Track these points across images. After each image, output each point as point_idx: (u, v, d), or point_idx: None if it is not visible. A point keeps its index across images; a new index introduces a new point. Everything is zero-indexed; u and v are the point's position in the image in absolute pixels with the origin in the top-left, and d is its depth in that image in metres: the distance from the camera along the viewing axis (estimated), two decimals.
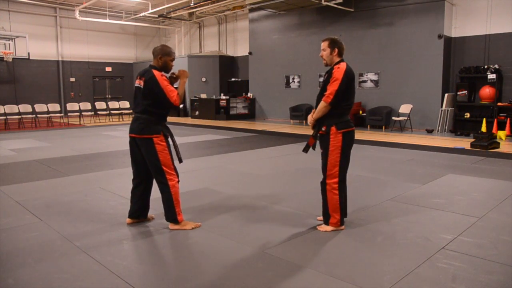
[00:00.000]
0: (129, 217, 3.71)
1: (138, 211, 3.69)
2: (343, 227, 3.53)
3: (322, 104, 3.38)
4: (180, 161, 3.64)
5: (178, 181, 3.56)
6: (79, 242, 3.23)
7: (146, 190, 3.69)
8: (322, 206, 3.55)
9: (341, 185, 3.45)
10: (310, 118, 3.52)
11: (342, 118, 3.42)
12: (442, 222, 3.72)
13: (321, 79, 3.48)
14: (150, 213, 3.84)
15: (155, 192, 3.65)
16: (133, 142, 3.57)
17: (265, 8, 13.44)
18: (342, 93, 3.35)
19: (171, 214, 3.52)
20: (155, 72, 3.44)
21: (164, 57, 3.53)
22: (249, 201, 4.42)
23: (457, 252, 3.01)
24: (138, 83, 3.51)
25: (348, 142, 3.43)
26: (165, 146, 3.47)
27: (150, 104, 3.45)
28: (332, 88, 3.33)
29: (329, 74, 3.43)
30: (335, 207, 3.45)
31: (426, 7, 10.96)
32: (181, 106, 17.23)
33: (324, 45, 3.50)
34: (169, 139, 3.57)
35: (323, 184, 3.50)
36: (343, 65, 3.41)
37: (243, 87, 16.23)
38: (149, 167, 3.53)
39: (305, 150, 3.64)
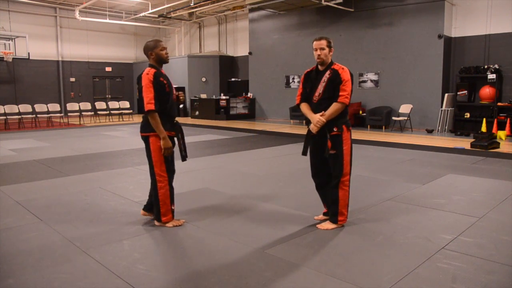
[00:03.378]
0: (143, 209, 3.83)
1: (150, 205, 3.75)
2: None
3: (338, 105, 3.38)
4: (183, 159, 3.66)
5: (170, 183, 3.55)
6: (79, 242, 3.23)
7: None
8: (331, 207, 3.53)
9: (349, 180, 3.55)
10: (319, 118, 3.39)
11: (347, 117, 3.53)
12: (442, 222, 3.72)
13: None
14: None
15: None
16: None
17: (265, 8, 13.44)
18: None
19: (156, 213, 3.59)
20: (146, 70, 3.46)
21: (154, 50, 3.52)
22: (249, 201, 4.42)
23: (457, 252, 3.02)
24: None
25: (351, 138, 3.56)
26: (160, 147, 3.45)
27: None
28: (347, 89, 3.40)
29: (333, 76, 3.40)
30: (346, 203, 3.52)
31: (426, 7, 10.96)
32: (181, 106, 17.30)
33: (323, 43, 3.47)
34: (174, 138, 3.57)
35: (337, 184, 3.47)
36: (344, 66, 3.50)
37: (243, 87, 16.23)
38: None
39: (305, 153, 3.58)
